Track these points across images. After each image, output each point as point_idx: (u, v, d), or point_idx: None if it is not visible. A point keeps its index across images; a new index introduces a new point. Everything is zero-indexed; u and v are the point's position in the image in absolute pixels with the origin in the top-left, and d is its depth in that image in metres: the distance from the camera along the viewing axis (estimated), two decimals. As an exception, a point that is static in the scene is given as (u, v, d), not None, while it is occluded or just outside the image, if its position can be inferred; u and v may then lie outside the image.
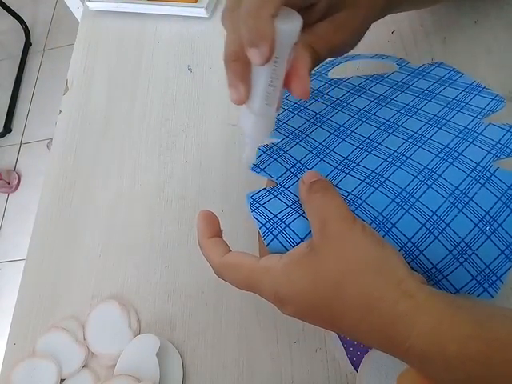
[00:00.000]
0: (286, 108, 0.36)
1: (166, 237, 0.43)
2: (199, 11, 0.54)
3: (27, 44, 1.81)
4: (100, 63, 0.57)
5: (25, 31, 1.81)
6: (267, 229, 0.27)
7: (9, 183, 1.56)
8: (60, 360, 0.39)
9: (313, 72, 0.39)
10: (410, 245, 0.26)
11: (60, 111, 0.54)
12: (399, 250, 0.26)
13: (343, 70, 0.39)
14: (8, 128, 1.67)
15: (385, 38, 0.47)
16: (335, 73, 0.39)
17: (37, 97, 1.73)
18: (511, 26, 0.45)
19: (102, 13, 0.60)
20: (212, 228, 0.28)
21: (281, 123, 0.34)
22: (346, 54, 0.39)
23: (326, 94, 0.36)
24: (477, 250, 0.26)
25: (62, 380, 0.39)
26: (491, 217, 0.26)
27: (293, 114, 0.35)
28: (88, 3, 0.59)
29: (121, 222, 0.46)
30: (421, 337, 0.20)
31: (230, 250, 0.27)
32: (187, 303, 0.40)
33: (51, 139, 0.55)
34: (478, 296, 0.26)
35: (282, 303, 0.24)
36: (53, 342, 0.40)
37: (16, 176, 1.58)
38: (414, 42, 0.46)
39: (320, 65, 0.39)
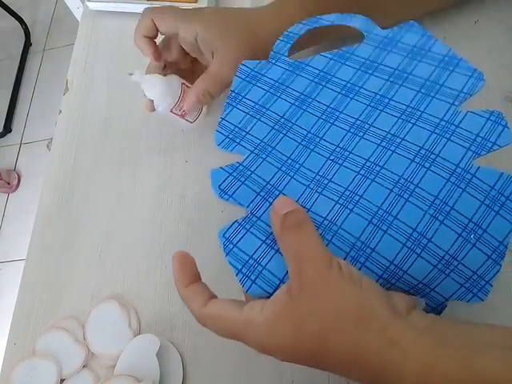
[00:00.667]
0: (246, 111, 0.32)
1: (166, 237, 0.43)
2: (199, 11, 0.54)
3: (27, 44, 1.81)
4: (100, 63, 0.57)
5: (25, 31, 1.81)
6: (244, 274, 0.26)
7: (9, 183, 1.56)
8: (60, 360, 0.39)
9: (271, 53, 0.35)
10: (392, 267, 0.25)
11: (60, 111, 0.54)
12: (382, 274, 0.25)
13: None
14: (8, 128, 1.67)
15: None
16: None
17: (37, 97, 1.73)
18: (511, 26, 0.45)
19: (102, 13, 0.60)
20: (189, 274, 0.28)
21: (244, 133, 0.31)
22: (304, 21, 0.35)
23: (288, 86, 0.33)
24: (462, 259, 0.25)
25: (62, 380, 0.39)
26: (475, 223, 0.25)
27: (255, 120, 0.32)
28: (88, 3, 0.59)
29: (121, 221, 0.46)
30: (409, 381, 0.21)
31: (211, 295, 0.27)
32: (187, 303, 0.40)
33: (51, 139, 0.55)
34: (468, 301, 0.26)
35: (270, 354, 0.24)
36: (53, 342, 0.40)
37: (16, 176, 1.58)
38: (414, 42, 0.46)
39: (278, 40, 0.35)
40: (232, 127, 0.32)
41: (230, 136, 0.31)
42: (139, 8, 0.57)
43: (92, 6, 0.59)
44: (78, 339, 0.40)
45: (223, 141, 0.32)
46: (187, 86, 0.42)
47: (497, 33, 0.45)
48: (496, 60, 0.43)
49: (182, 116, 0.43)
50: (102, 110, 0.53)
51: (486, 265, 0.25)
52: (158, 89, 0.41)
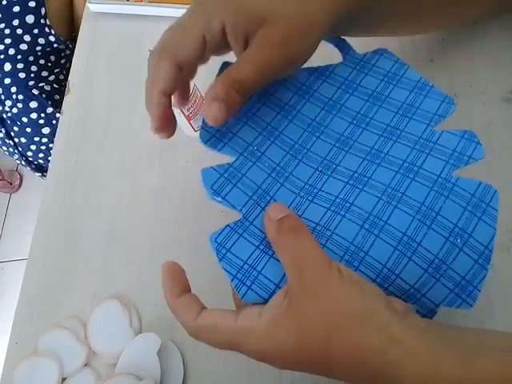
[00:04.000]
0: None
1: (167, 237, 0.44)
2: (200, 12, 0.55)
3: (29, 45, 1.82)
4: (101, 65, 0.57)
5: (26, 32, 1.82)
6: (239, 280, 0.26)
7: (11, 183, 1.56)
8: (61, 359, 0.39)
9: None
10: (385, 271, 0.26)
11: (61, 112, 0.54)
12: (375, 278, 0.26)
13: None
14: (10, 128, 1.67)
15: (383, 38, 0.47)
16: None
17: (38, 97, 1.73)
18: (509, 27, 0.45)
19: (104, 14, 0.60)
20: (180, 284, 0.27)
21: (231, 134, 0.31)
22: None
23: (272, 94, 0.33)
24: (451, 264, 0.26)
25: (64, 379, 0.39)
26: (460, 228, 0.26)
27: (242, 123, 0.31)
28: (89, 5, 0.60)
29: (122, 221, 0.46)
30: (412, 382, 0.21)
31: (202, 306, 0.26)
32: (188, 302, 0.40)
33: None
34: (457, 307, 0.26)
35: (270, 362, 0.24)
36: (54, 340, 0.40)
37: (18, 176, 1.59)
38: (412, 42, 0.47)
39: None
40: (217, 126, 0.30)
41: (217, 135, 0.30)
42: (141, 10, 0.58)
43: (93, 7, 0.60)
44: (79, 338, 0.40)
45: (210, 139, 0.30)
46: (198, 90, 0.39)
47: (495, 33, 0.45)
48: (494, 61, 0.44)
49: (189, 118, 0.42)
50: (103, 110, 0.53)
51: (474, 269, 0.26)
52: None
